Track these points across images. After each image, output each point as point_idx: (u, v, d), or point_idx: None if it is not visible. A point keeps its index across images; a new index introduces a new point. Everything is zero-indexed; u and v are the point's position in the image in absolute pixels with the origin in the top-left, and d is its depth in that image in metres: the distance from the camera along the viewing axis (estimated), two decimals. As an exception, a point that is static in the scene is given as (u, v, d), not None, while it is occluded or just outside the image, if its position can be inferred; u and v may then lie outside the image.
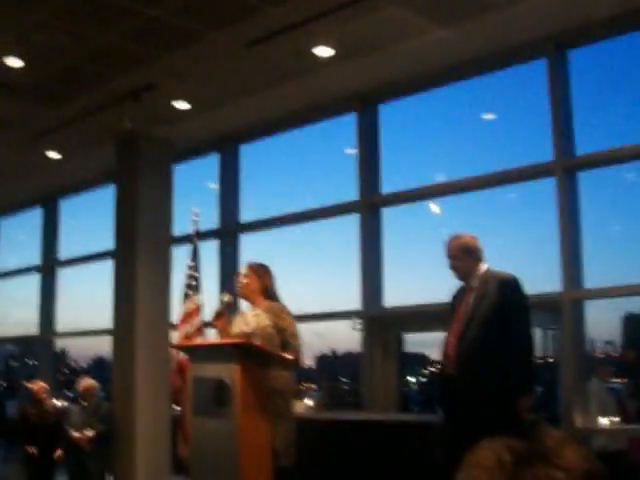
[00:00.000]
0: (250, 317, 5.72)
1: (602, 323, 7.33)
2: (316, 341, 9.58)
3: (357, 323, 8.28)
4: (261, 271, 5.83)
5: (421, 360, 9.24)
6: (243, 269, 5.93)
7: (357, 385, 9.57)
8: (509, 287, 5.14)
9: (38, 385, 9.18)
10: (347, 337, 8.85)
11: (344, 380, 10.96)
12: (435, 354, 8.90)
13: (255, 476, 5.00)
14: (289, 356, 5.46)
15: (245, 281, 5.81)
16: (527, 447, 1.03)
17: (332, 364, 11.03)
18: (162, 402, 8.78)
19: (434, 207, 8.29)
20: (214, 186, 9.99)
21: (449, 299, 5.55)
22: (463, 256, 5.29)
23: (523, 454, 1.02)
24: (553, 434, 1.05)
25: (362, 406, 8.22)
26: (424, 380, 9.33)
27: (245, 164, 9.85)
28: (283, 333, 5.57)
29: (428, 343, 8.92)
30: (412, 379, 9.06)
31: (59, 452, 8.68)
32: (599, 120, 7.43)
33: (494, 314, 5.05)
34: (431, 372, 9.27)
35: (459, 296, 5.39)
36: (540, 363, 7.29)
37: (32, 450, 8.64)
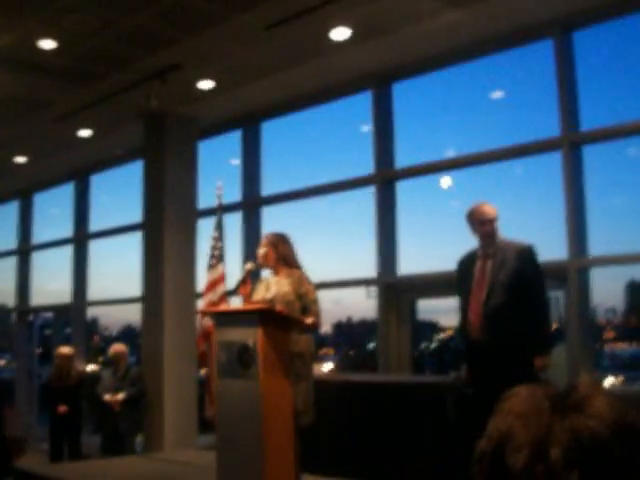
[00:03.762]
0: (272, 284, 5.84)
1: (606, 291, 7.50)
2: (333, 308, 9.73)
3: (372, 291, 8.46)
4: (278, 241, 5.92)
5: (432, 326, 9.37)
6: (262, 240, 6.05)
7: (372, 349, 9.73)
8: (527, 255, 5.30)
9: (61, 351, 9.53)
10: (362, 304, 8.98)
11: (359, 345, 11.10)
12: (445, 320, 9.13)
13: (277, 433, 5.11)
14: (309, 320, 5.60)
15: (263, 251, 5.92)
16: (562, 394, 0.99)
17: (348, 330, 11.14)
18: (189, 366, 9.05)
19: (445, 180, 8.43)
20: (237, 161, 10.16)
21: (457, 265, 5.71)
22: (496, 222, 5.45)
23: (559, 402, 0.97)
24: (585, 381, 1.02)
25: (377, 369, 8.41)
26: (434, 345, 9.48)
27: (266, 140, 9.98)
28: (303, 298, 5.68)
29: (438, 310, 9.09)
30: (423, 344, 9.22)
31: (63, 408, 9.00)
32: (603, 97, 7.51)
33: (514, 281, 5.18)
34: (441, 337, 9.43)
35: (469, 262, 5.50)
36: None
37: (62, 409, 9.01)
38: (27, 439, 8.41)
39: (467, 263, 5.54)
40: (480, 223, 5.44)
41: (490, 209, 5.45)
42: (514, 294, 5.17)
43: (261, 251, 5.96)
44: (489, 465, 0.97)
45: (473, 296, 5.32)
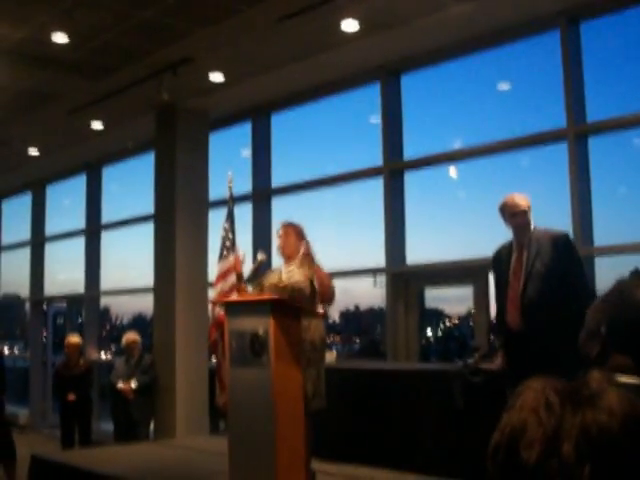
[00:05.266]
0: (284, 273, 5.88)
1: (611, 281, 7.53)
2: (341, 297, 9.81)
3: (379, 280, 8.54)
4: (298, 230, 5.99)
5: (438, 315, 9.43)
6: (283, 227, 6.04)
7: (380, 337, 9.80)
8: (562, 243, 5.25)
9: (70, 339, 9.61)
10: (370, 293, 9.07)
11: (367, 333, 11.16)
12: (450, 309, 9.20)
13: (288, 420, 5.19)
14: (320, 311, 5.67)
15: (286, 239, 5.95)
16: (573, 389, 1.00)
17: (356, 318, 11.20)
18: (200, 355, 9.18)
19: (453, 171, 8.51)
20: (247, 153, 10.22)
21: (492, 258, 5.65)
22: (529, 213, 5.38)
23: (569, 396, 0.98)
24: (596, 376, 1.03)
25: (385, 357, 8.51)
26: (440, 333, 9.53)
27: (276, 132, 10.03)
28: (313, 279, 5.72)
29: (444, 299, 9.18)
30: (429, 332, 9.27)
31: (72, 396, 9.11)
32: (610, 88, 7.54)
33: (551, 270, 5.13)
34: (447, 326, 9.49)
35: (505, 254, 5.45)
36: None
37: (71, 397, 9.12)
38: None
39: (503, 255, 5.49)
40: (511, 215, 5.39)
41: (521, 200, 5.38)
42: (551, 283, 5.14)
43: (282, 237, 6.00)
44: (503, 459, 0.99)
45: (510, 287, 5.31)
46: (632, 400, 0.99)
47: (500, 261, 5.49)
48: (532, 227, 5.38)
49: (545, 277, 5.15)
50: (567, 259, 5.19)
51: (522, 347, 5.15)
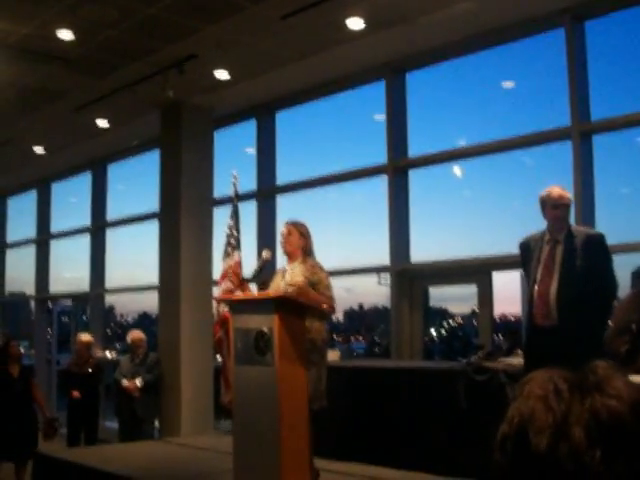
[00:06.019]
0: (288, 272, 5.89)
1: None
2: (345, 296, 9.78)
3: (383, 278, 8.56)
4: (303, 229, 5.98)
5: (441, 313, 9.44)
6: (287, 226, 6.03)
7: (383, 335, 9.79)
8: (597, 242, 5.16)
9: (81, 337, 9.64)
10: (374, 292, 9.10)
11: (371, 331, 11.16)
12: (454, 308, 9.20)
13: (293, 419, 5.18)
14: (324, 305, 5.61)
15: (288, 238, 5.94)
16: (581, 376, 1.00)
17: (360, 317, 11.20)
18: (205, 353, 9.18)
19: (457, 169, 8.53)
20: (252, 151, 10.23)
21: (519, 248, 5.53)
22: (569, 208, 5.29)
23: (577, 383, 0.98)
24: (602, 364, 1.02)
25: (389, 355, 8.53)
26: (444, 332, 9.54)
27: (281, 130, 10.05)
28: (316, 286, 5.71)
29: (448, 297, 9.18)
30: (433, 331, 9.27)
31: (77, 393, 9.10)
32: (614, 86, 7.55)
33: (586, 269, 5.04)
34: (451, 324, 9.49)
35: (534, 246, 5.32)
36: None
37: (76, 394, 9.11)
38: (59, 419, 8.58)
39: (532, 247, 5.36)
40: (553, 207, 5.23)
41: (565, 193, 5.27)
42: (585, 281, 5.04)
43: (287, 236, 5.99)
44: (513, 448, 0.98)
45: (541, 281, 5.19)
46: (638, 386, 0.99)
47: (528, 253, 5.36)
48: (569, 224, 5.28)
49: (580, 275, 5.06)
50: (601, 259, 5.11)
51: (548, 344, 5.03)
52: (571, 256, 5.11)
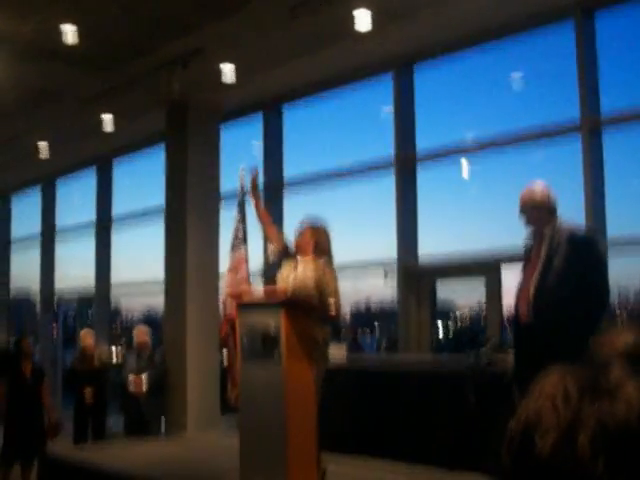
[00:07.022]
0: (299, 270, 5.80)
1: (624, 273, 7.46)
2: (351, 291, 9.73)
3: (389, 272, 8.54)
4: (319, 228, 5.92)
5: (449, 308, 9.39)
6: (304, 226, 5.96)
7: (391, 330, 9.75)
8: (581, 242, 5.05)
9: (86, 335, 9.57)
10: (380, 287, 9.00)
11: (378, 326, 11.14)
12: (462, 302, 9.15)
13: (300, 415, 5.22)
14: (331, 312, 5.57)
15: (299, 239, 5.88)
16: (593, 377, 0.97)
17: (367, 311, 11.18)
18: (211, 350, 9.14)
19: (465, 164, 8.46)
20: (259, 145, 10.19)
21: (523, 244, 5.42)
22: (540, 208, 5.11)
23: (588, 385, 0.96)
24: (615, 368, 0.99)
25: (397, 349, 8.52)
26: (452, 326, 9.50)
27: (288, 125, 10.03)
28: (324, 289, 5.64)
29: (456, 292, 9.13)
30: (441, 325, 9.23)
31: (89, 393, 9.02)
32: (624, 80, 7.51)
33: (567, 268, 4.93)
34: (458, 319, 9.45)
35: (528, 243, 5.27)
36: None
37: (89, 396, 9.01)
38: (62, 422, 8.53)
39: (527, 245, 5.29)
40: (520, 210, 5.18)
41: (528, 194, 5.13)
42: (561, 283, 4.93)
43: (299, 239, 5.93)
44: (518, 448, 0.96)
45: (524, 279, 5.15)
46: None
47: (526, 251, 5.30)
48: (557, 221, 5.13)
49: (556, 275, 4.97)
50: (584, 258, 4.98)
51: (529, 342, 5.03)
52: (550, 255, 5.01)
